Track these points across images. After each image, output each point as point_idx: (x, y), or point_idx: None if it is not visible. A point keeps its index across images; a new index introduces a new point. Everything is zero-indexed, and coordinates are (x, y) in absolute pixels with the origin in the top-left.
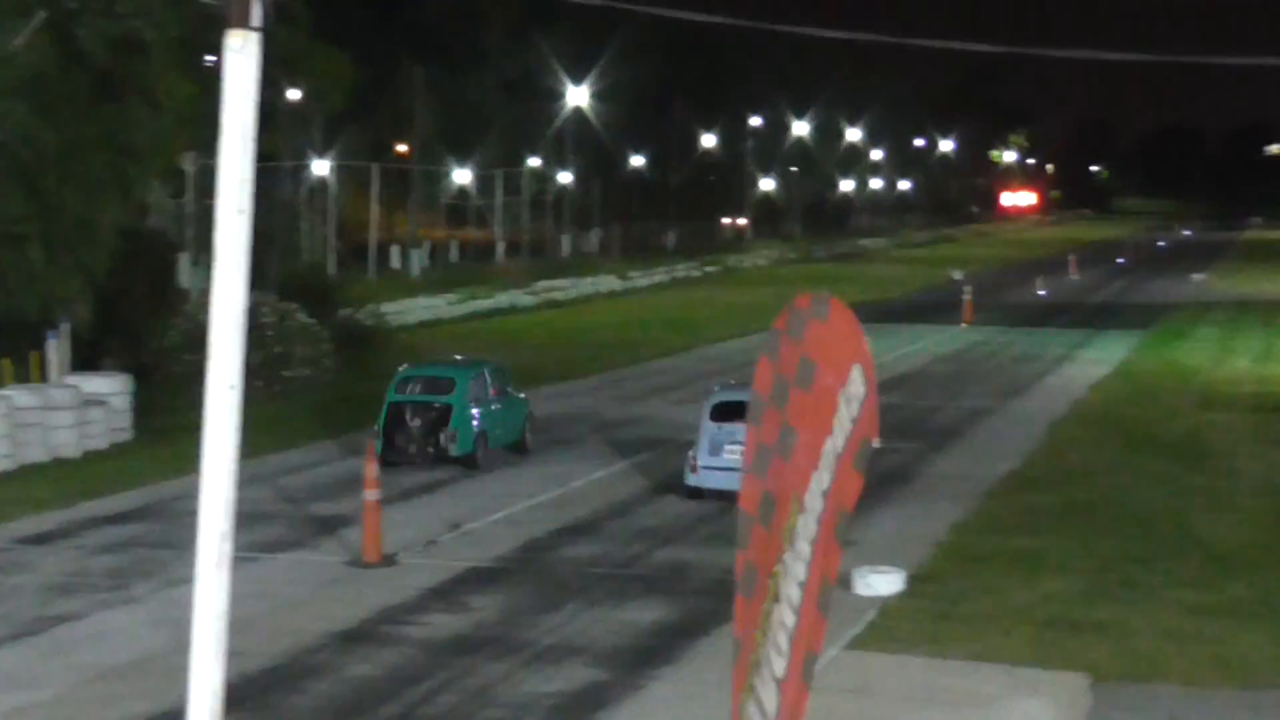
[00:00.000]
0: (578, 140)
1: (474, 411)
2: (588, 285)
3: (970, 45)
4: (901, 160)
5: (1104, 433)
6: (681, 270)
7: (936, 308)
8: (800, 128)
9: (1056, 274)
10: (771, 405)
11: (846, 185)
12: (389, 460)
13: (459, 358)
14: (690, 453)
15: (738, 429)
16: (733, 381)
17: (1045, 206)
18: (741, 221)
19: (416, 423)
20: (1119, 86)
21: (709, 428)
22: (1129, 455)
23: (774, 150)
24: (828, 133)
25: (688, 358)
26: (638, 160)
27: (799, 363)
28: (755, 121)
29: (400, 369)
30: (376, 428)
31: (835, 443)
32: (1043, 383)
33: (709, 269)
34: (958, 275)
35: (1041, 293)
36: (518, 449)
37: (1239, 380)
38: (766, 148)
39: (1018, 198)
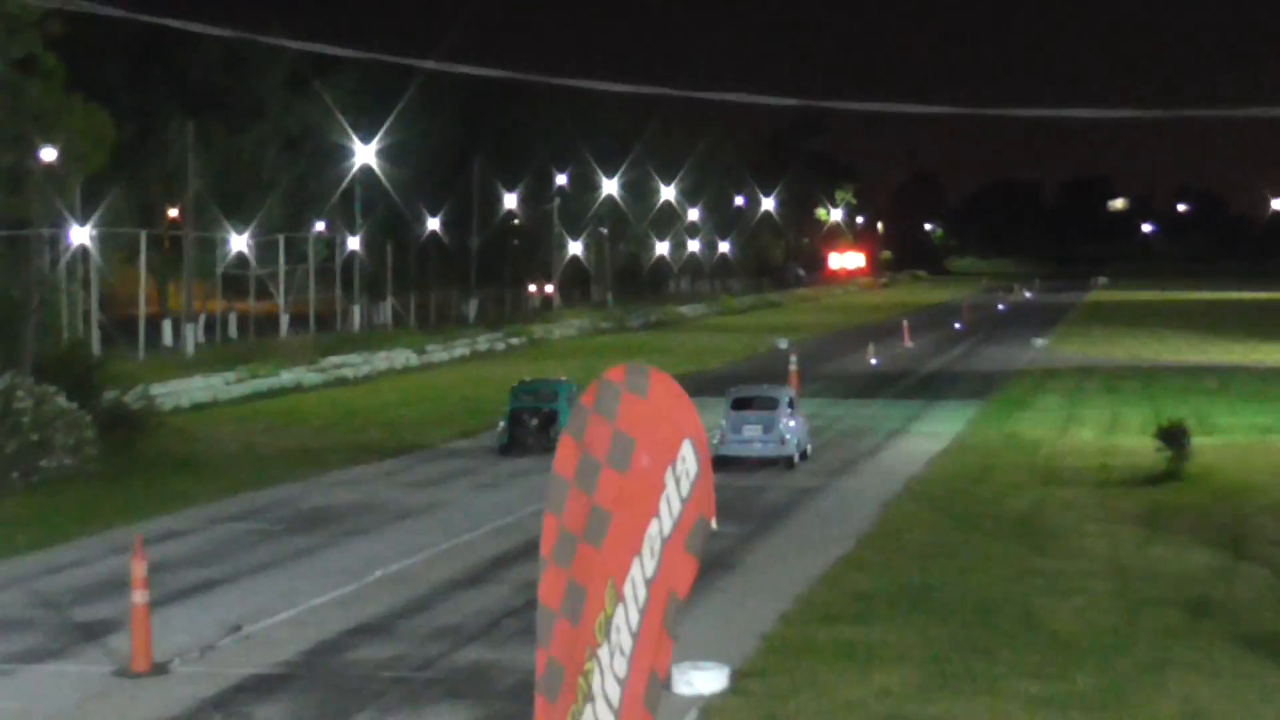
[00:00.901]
0: (368, 202)
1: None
2: (381, 360)
3: (783, 100)
4: (721, 220)
5: (941, 512)
6: (484, 343)
7: (760, 379)
8: (610, 186)
9: (888, 341)
10: (576, 488)
11: (662, 248)
12: (513, 452)
13: (559, 378)
14: (717, 434)
15: (750, 414)
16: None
17: (876, 268)
18: (549, 288)
19: (534, 422)
20: (949, 140)
21: (730, 415)
22: (968, 536)
23: (582, 211)
24: (641, 191)
25: (490, 438)
26: (434, 223)
27: (611, 441)
28: (562, 180)
29: (515, 384)
30: (502, 425)
31: (662, 525)
32: (875, 459)
33: (514, 341)
34: (783, 344)
35: (873, 361)
36: None
37: (1083, 452)
38: (574, 208)
39: (846, 259)
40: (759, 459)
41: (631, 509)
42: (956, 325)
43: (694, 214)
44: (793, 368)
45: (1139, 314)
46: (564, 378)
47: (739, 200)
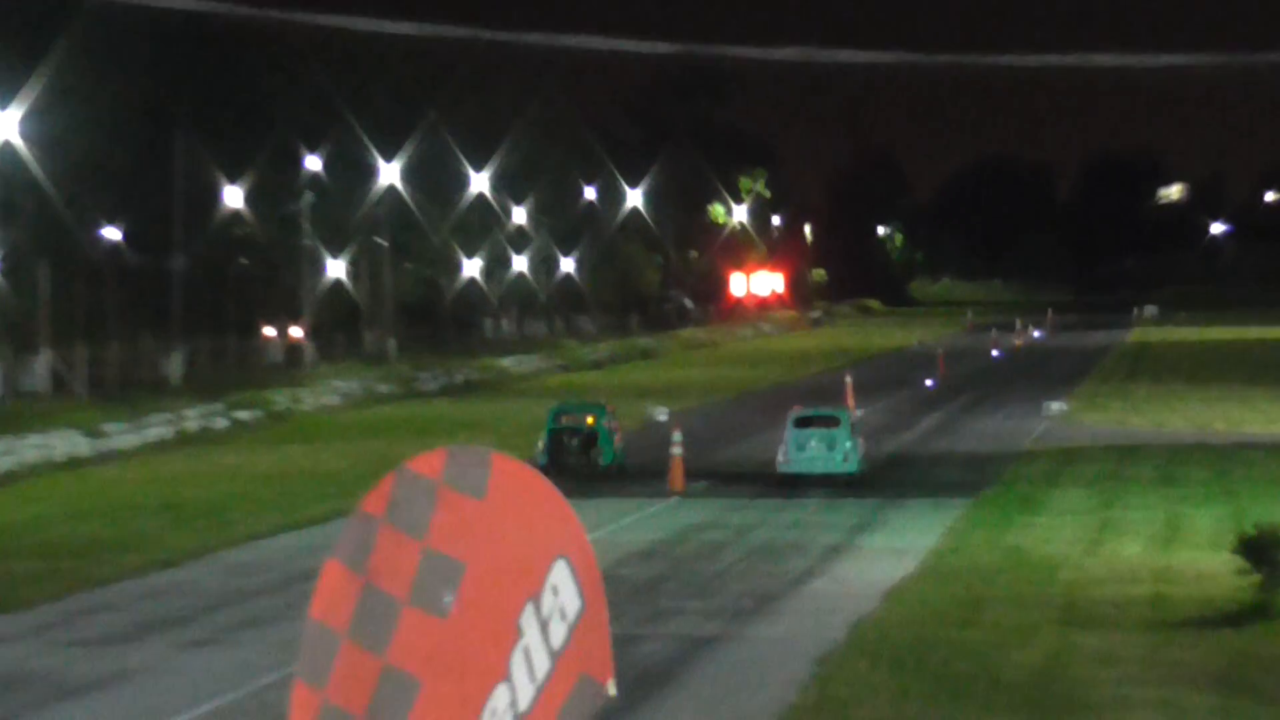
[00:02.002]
0: (7, 201)
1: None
2: (31, 449)
3: (658, 46)
4: (564, 225)
5: (908, 674)
6: (195, 419)
7: (626, 470)
8: (391, 173)
9: (824, 404)
10: (354, 642)
11: (474, 268)
12: (552, 472)
13: (597, 401)
14: (780, 452)
15: (814, 432)
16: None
17: (803, 295)
18: (297, 333)
19: (574, 442)
20: (914, 105)
21: (794, 432)
22: (950, 711)
23: (349, 213)
24: (440, 182)
25: (206, 567)
26: (114, 234)
27: (420, 567)
28: (315, 165)
29: (553, 406)
30: (541, 445)
31: (515, 695)
32: (805, 591)
33: (243, 415)
34: (662, 415)
35: None
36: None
37: (1125, 576)
38: (337, 209)
39: (758, 282)
40: (823, 475)
41: (459, 673)
42: (928, 383)
43: (521, 215)
44: (676, 452)
45: (1207, 362)
46: (602, 401)
47: (590, 194)
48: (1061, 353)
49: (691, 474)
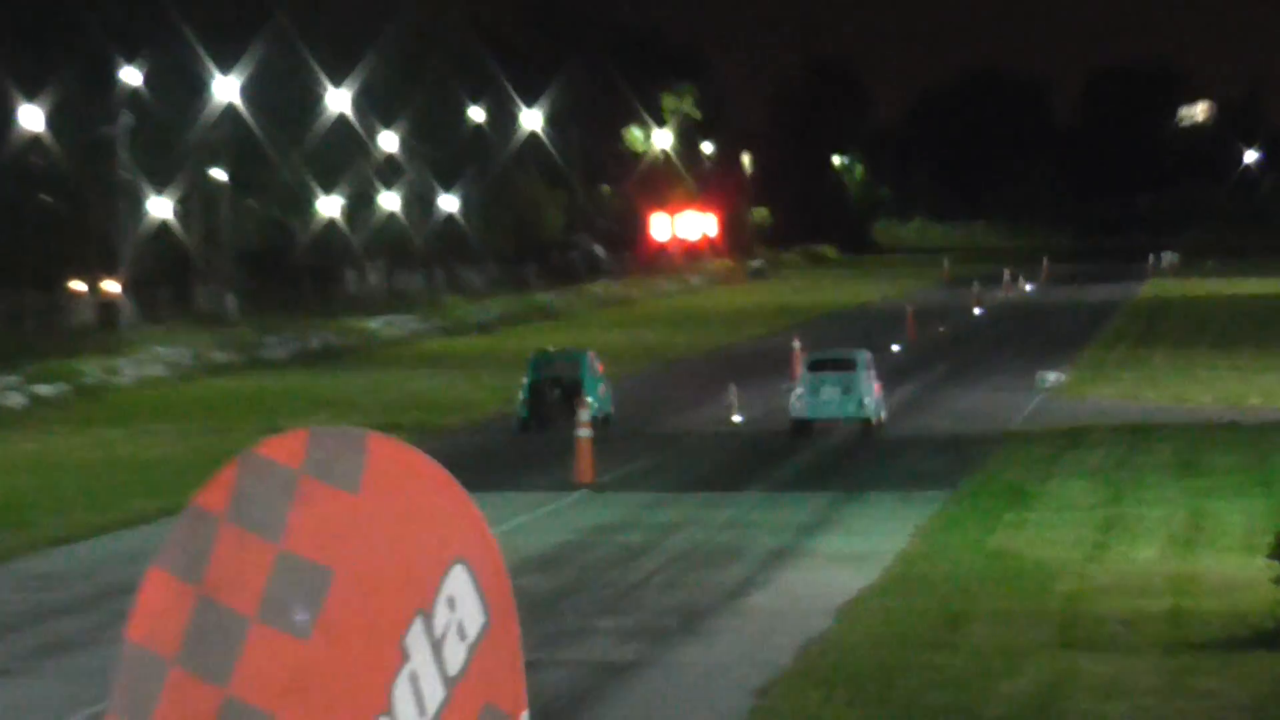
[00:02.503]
0: None
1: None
2: None
3: None
4: (445, 154)
5: (869, 707)
6: None
7: (524, 457)
8: (229, 89)
9: (766, 381)
10: (188, 670)
11: (333, 206)
12: (533, 426)
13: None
14: (794, 396)
15: (829, 375)
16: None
17: (741, 241)
18: (113, 288)
19: (556, 393)
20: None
21: (808, 376)
22: None
23: (176, 138)
24: (290, 99)
25: None
26: None
27: (271, 574)
28: (134, 79)
29: (532, 355)
30: (522, 398)
31: None
32: (741, 606)
33: (43, 390)
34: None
35: (737, 419)
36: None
37: (1138, 586)
38: (162, 133)
39: (685, 225)
40: (839, 420)
41: (325, 706)
42: (894, 348)
43: (391, 142)
44: (584, 433)
45: (1239, 322)
46: (585, 347)
47: (478, 115)
48: (1059, 310)
49: (603, 461)
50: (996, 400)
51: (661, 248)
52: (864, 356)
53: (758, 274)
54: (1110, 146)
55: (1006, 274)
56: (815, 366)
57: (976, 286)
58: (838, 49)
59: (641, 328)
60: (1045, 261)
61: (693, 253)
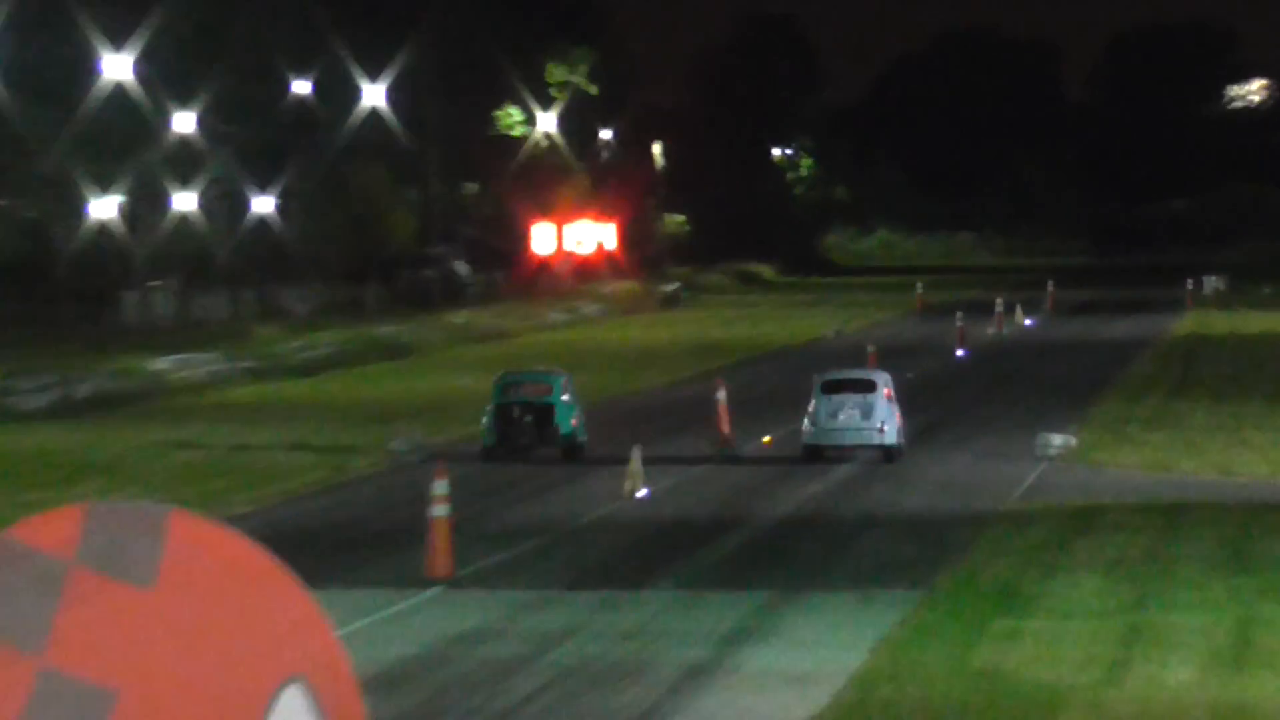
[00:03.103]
0: None
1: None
2: None
3: None
4: (260, 140)
5: None
6: None
7: (362, 540)
8: None
9: (678, 438)
10: None
11: (108, 207)
12: (502, 454)
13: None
14: (806, 422)
15: (846, 398)
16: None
17: (650, 256)
18: None
19: (527, 418)
20: None
21: (822, 399)
22: None
23: None
24: (58, 70)
25: None
26: None
27: (33, 700)
28: None
29: (498, 376)
30: (487, 422)
31: None
32: None
33: None
34: (401, 447)
35: (641, 494)
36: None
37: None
38: None
39: (576, 235)
40: (856, 447)
41: None
42: None
43: (187, 123)
44: (439, 512)
45: None
46: (557, 368)
47: (302, 89)
48: (1068, 351)
49: (466, 547)
50: (985, 469)
51: (546, 265)
52: (885, 378)
53: (672, 301)
54: (1137, 135)
55: (999, 303)
56: (830, 388)
57: (959, 319)
58: (781, 4)
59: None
60: (1050, 286)
61: (587, 272)
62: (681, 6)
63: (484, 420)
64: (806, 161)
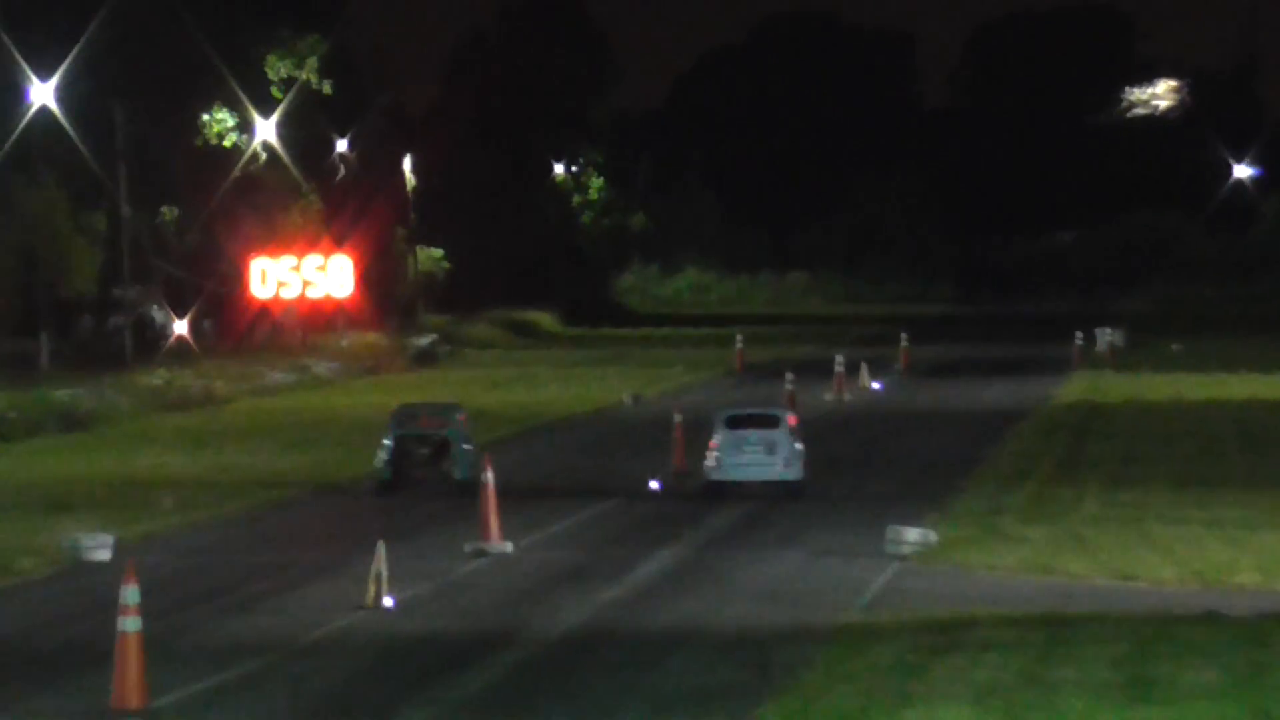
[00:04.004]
0: None
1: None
2: None
3: None
4: None
5: None
6: None
7: (28, 664)
8: None
9: (438, 527)
10: None
11: None
12: (398, 488)
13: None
14: (709, 458)
15: (749, 433)
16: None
17: (402, 302)
18: None
19: (423, 451)
20: None
21: (726, 434)
22: None
23: None
24: None
25: None
26: None
27: None
28: None
29: (395, 409)
30: (383, 457)
31: None
32: None
33: None
34: (102, 550)
35: (387, 602)
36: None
37: None
38: None
39: (306, 274)
40: (760, 483)
41: None
42: (653, 484)
43: None
44: (130, 624)
45: (1220, 445)
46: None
47: None
48: (926, 422)
49: (166, 669)
50: (822, 571)
51: (267, 312)
52: (786, 413)
53: (427, 357)
54: (1011, 150)
55: (839, 361)
56: (734, 423)
57: (789, 381)
58: None
59: (230, 445)
60: (904, 340)
61: (320, 321)
62: None
63: (379, 454)
64: (596, 182)
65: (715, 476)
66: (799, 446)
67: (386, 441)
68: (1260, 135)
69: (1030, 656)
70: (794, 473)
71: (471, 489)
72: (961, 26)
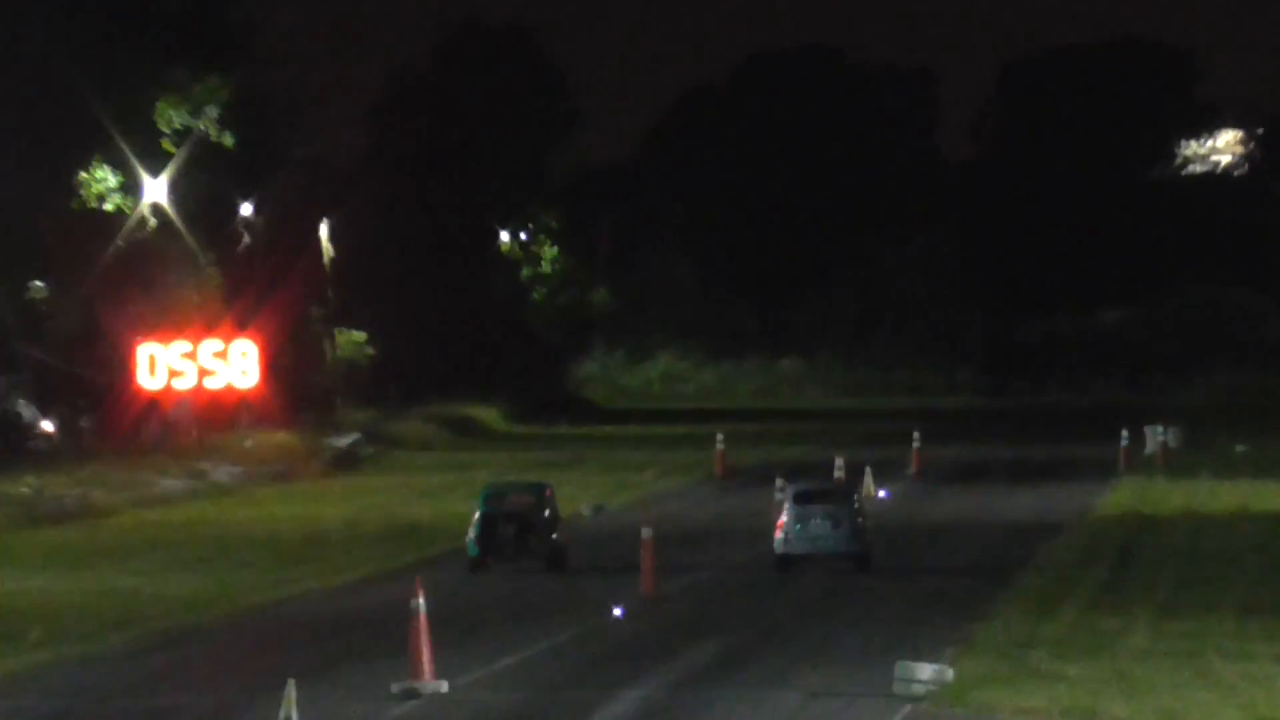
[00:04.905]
0: None
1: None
2: None
3: None
4: None
5: None
6: None
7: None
8: None
9: (359, 665)
10: None
11: None
12: (488, 562)
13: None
14: (779, 532)
15: (816, 508)
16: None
17: (318, 394)
18: None
19: (510, 528)
20: None
21: (794, 509)
22: None
23: None
24: None
25: None
26: None
27: None
28: None
29: (484, 487)
30: (473, 534)
31: None
32: None
33: None
34: None
35: None
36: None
37: None
38: None
39: (203, 362)
40: (828, 556)
41: None
42: (616, 611)
43: None
44: None
45: None
46: (543, 481)
47: None
48: (943, 536)
49: None
50: (819, 716)
51: (157, 407)
52: (852, 489)
53: (348, 460)
54: (1048, 212)
55: (839, 465)
56: (802, 499)
57: (780, 489)
58: (513, 8)
59: (111, 566)
60: (916, 440)
61: (220, 417)
62: (371, 16)
63: (470, 531)
64: (550, 251)
65: (783, 551)
66: (863, 520)
67: (475, 516)
68: None
69: None
70: (858, 545)
71: (559, 560)
72: (989, 63)
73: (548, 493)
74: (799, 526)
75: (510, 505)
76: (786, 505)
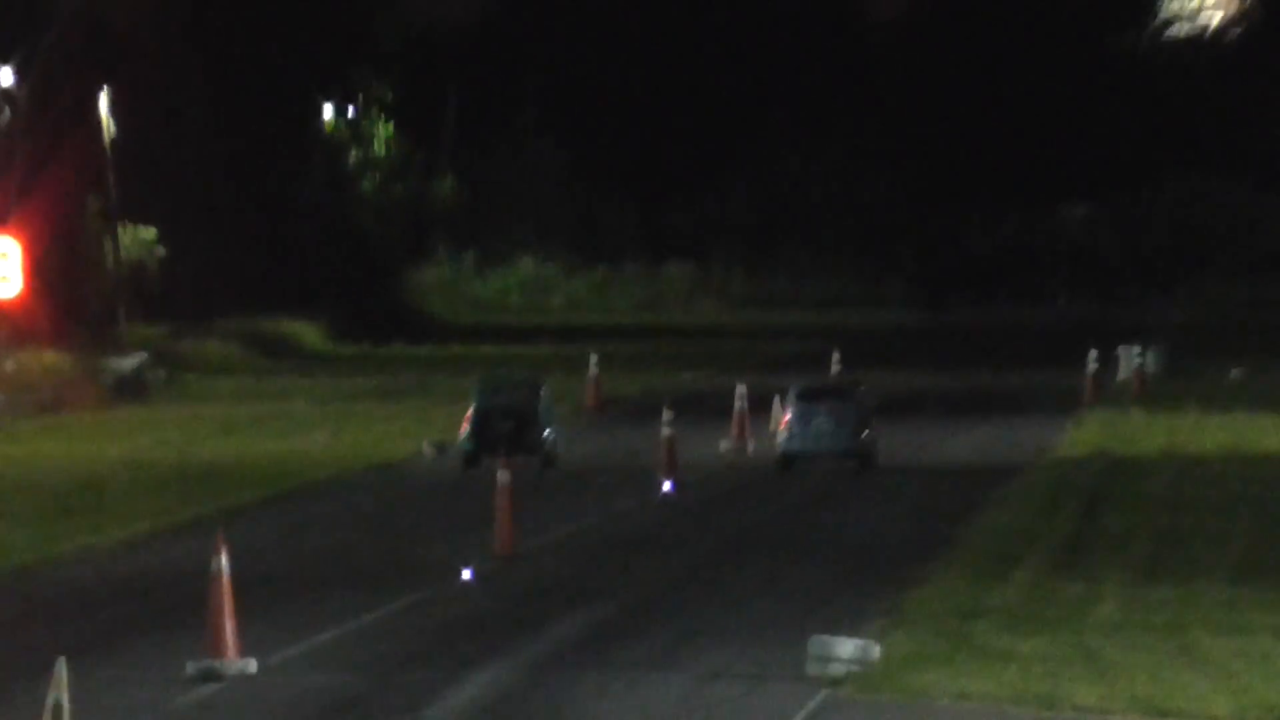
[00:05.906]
0: None
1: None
2: None
3: None
4: None
5: None
6: None
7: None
8: None
9: (145, 640)
10: None
11: None
12: (483, 460)
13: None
14: (781, 430)
15: (820, 406)
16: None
17: (97, 304)
18: None
19: (507, 424)
20: None
21: (798, 407)
22: None
23: None
24: None
25: None
26: None
27: None
28: None
29: (480, 380)
30: (467, 429)
31: None
32: None
33: None
34: None
35: None
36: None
37: None
38: None
39: None
40: (831, 454)
41: None
42: (465, 573)
43: None
44: None
45: None
46: (540, 376)
47: None
48: (870, 481)
49: None
50: (712, 703)
51: None
52: (858, 390)
53: (132, 387)
54: (999, 87)
55: (741, 394)
56: (806, 397)
57: (668, 422)
58: None
59: None
60: (835, 362)
61: None
62: None
63: (464, 427)
64: (384, 129)
65: (786, 448)
66: (870, 419)
67: (471, 410)
68: None
69: None
70: (866, 445)
71: (552, 459)
72: None
73: (544, 390)
74: (801, 424)
75: (506, 400)
76: (790, 403)
